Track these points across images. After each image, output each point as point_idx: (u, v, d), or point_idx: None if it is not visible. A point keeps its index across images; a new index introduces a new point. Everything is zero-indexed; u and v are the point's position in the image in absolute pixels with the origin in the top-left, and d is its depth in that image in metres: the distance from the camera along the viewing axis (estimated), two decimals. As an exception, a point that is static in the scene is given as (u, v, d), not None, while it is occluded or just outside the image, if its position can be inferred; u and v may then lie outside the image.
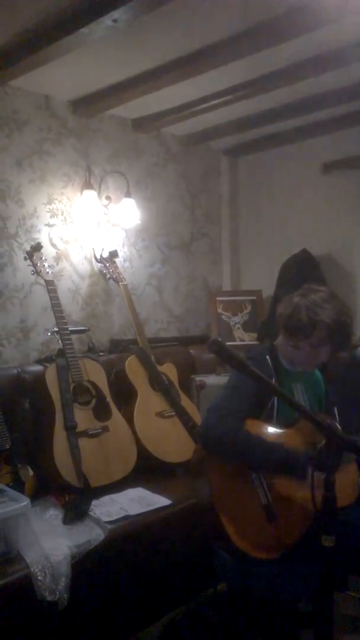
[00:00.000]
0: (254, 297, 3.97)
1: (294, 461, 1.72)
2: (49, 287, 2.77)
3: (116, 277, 3.23)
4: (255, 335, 3.83)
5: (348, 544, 1.75)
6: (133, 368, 2.94)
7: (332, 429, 1.28)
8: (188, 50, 2.62)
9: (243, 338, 3.88)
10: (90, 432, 2.60)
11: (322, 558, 1.27)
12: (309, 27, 2.33)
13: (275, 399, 1.91)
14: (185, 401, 3.06)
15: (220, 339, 1.25)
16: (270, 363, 1.99)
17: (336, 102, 3.21)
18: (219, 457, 1.83)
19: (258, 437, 1.81)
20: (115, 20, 2.10)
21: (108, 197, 3.40)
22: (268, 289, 3.82)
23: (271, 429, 1.88)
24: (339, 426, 2.00)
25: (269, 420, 1.90)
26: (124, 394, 2.91)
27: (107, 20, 2.10)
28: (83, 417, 2.62)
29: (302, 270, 3.64)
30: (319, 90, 3.13)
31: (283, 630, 1.90)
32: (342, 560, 1.76)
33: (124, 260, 3.55)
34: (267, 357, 2.01)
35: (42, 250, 2.85)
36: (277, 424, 1.90)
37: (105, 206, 3.39)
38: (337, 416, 2.06)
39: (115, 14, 2.06)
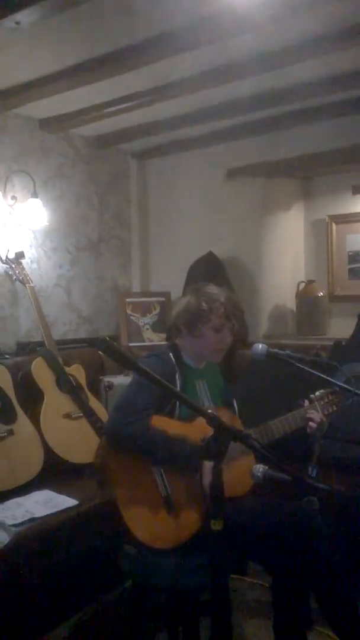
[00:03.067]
0: (163, 299, 4.06)
1: (191, 452, 1.83)
2: None
3: (23, 278, 3.19)
4: (164, 335, 3.91)
5: (245, 531, 1.86)
6: (39, 370, 2.93)
7: (218, 420, 1.37)
8: (95, 54, 2.65)
9: (152, 339, 3.95)
10: (-6, 436, 2.57)
11: (212, 542, 1.35)
12: (214, 39, 2.42)
13: None
14: (93, 402, 3.09)
15: (108, 338, 1.29)
16: (173, 360, 2.07)
17: (240, 112, 3.35)
18: (123, 453, 1.88)
19: (162, 433, 1.88)
20: (17, 23, 2.10)
21: (14, 197, 3.35)
22: (177, 291, 3.92)
23: (174, 424, 1.95)
24: (238, 419, 2.11)
25: (172, 415, 1.98)
26: (31, 397, 2.89)
27: (9, 22, 2.09)
28: (-13, 421, 2.58)
29: (208, 272, 3.77)
30: (223, 99, 3.25)
31: (185, 620, 1.97)
32: (240, 546, 1.88)
33: (31, 262, 3.51)
34: (170, 354, 2.09)
35: None
36: (180, 419, 1.98)
37: (11, 206, 3.34)
38: (236, 410, 2.18)
39: (18, 16, 2.06)
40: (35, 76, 2.87)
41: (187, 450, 1.84)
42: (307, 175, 3.97)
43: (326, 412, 2.14)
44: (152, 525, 1.82)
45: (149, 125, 3.64)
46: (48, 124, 3.52)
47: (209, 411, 1.49)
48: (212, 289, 2.13)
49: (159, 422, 1.93)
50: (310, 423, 2.08)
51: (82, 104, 3.25)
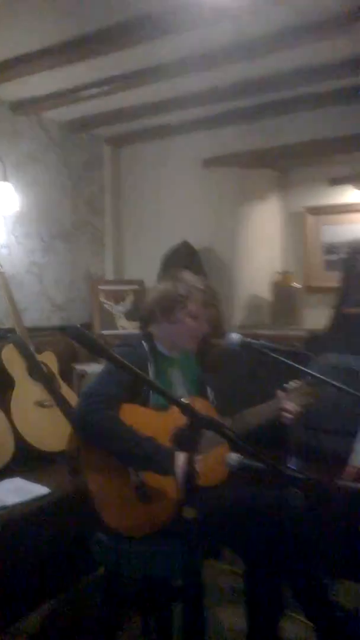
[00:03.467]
0: (137, 287, 4.03)
1: (158, 456, 1.79)
2: None
3: (-7, 264, 3.12)
4: (137, 324, 3.88)
5: (219, 518, 1.86)
6: (10, 357, 2.87)
7: (190, 408, 1.35)
8: (71, 36, 2.58)
9: (126, 327, 3.92)
10: None
11: (185, 530, 1.35)
12: (190, 25, 2.39)
13: None
14: (65, 390, 3.05)
15: (79, 326, 1.26)
16: (146, 348, 2.05)
17: (217, 101, 3.33)
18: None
19: (129, 429, 1.83)
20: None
21: (-17, 181, 3.27)
22: (151, 279, 3.88)
23: (147, 413, 1.93)
24: (213, 408, 2.11)
25: (145, 404, 1.95)
26: (1, 384, 2.84)
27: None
28: None
29: (182, 261, 3.75)
30: (201, 87, 3.21)
31: (157, 607, 1.97)
32: (214, 533, 1.88)
33: (2, 247, 3.43)
34: (143, 342, 2.07)
35: None
36: (152, 408, 1.96)
37: (-20, 191, 3.26)
38: (212, 400, 2.17)
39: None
40: (7, 57, 2.79)
41: (158, 453, 1.80)
42: (284, 166, 3.97)
43: (301, 403, 2.15)
44: (124, 514, 1.80)
45: (124, 111, 3.59)
46: (20, 106, 3.43)
47: (183, 400, 1.48)
48: (190, 275, 2.12)
49: (131, 411, 1.90)
50: (285, 414, 2.09)
51: (55, 86, 3.18)
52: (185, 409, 1.37)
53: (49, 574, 2.42)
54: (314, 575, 1.90)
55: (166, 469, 1.76)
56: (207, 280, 2.21)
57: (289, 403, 2.10)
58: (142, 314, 2.22)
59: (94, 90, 3.14)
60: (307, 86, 3.14)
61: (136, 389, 1.93)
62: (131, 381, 1.89)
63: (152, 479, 1.84)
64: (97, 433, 1.83)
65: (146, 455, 1.79)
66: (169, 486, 1.82)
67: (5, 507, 2.25)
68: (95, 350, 1.31)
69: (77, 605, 2.47)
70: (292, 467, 2.14)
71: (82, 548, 2.04)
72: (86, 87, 3.13)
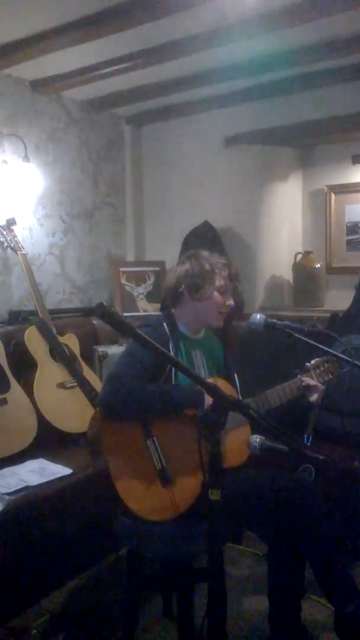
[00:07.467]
0: (158, 268, 4.00)
1: (191, 392, 1.84)
2: None
3: (14, 245, 3.11)
4: (158, 305, 3.87)
5: (241, 500, 1.86)
6: (32, 339, 2.88)
7: (217, 389, 1.34)
8: (89, 12, 2.54)
9: (146, 309, 3.91)
10: (-13, 405, 2.54)
11: (209, 512, 1.34)
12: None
13: None
14: (87, 372, 3.06)
15: (105, 303, 1.24)
16: (167, 330, 2.03)
17: (238, 76, 3.26)
18: (121, 422, 1.86)
19: (156, 386, 1.88)
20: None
21: (4, 161, 3.25)
22: (171, 260, 3.85)
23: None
24: (235, 390, 2.09)
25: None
26: (24, 366, 2.86)
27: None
28: (-20, 390, 2.55)
29: (204, 241, 3.71)
30: (221, 63, 3.15)
31: (179, 587, 1.98)
32: (236, 515, 1.88)
33: (23, 229, 3.43)
34: (164, 324, 2.05)
35: None
36: None
37: (2, 171, 3.25)
38: (236, 381, 2.15)
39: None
40: (26, 35, 2.76)
41: (186, 392, 1.86)
42: (306, 143, 3.88)
43: (322, 381, 2.12)
44: (146, 498, 1.80)
45: (145, 89, 3.53)
46: (40, 85, 3.40)
47: (208, 380, 1.47)
48: (209, 253, 2.11)
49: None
50: (311, 390, 2.06)
51: (75, 65, 3.15)
52: (211, 389, 1.35)
53: (71, 554, 2.45)
54: (336, 558, 1.89)
55: (202, 400, 1.84)
56: (227, 257, 2.20)
57: (310, 380, 2.08)
58: (164, 294, 2.19)
59: (114, 68, 3.09)
60: (329, 60, 3.05)
61: (159, 370, 1.92)
62: (154, 362, 1.89)
63: (175, 461, 1.83)
64: (128, 407, 1.84)
65: (180, 397, 1.86)
66: (191, 469, 1.81)
67: (28, 487, 2.28)
68: (122, 329, 1.30)
69: (99, 584, 2.50)
70: (315, 449, 2.12)
71: (105, 528, 2.06)
72: (106, 64, 3.08)
